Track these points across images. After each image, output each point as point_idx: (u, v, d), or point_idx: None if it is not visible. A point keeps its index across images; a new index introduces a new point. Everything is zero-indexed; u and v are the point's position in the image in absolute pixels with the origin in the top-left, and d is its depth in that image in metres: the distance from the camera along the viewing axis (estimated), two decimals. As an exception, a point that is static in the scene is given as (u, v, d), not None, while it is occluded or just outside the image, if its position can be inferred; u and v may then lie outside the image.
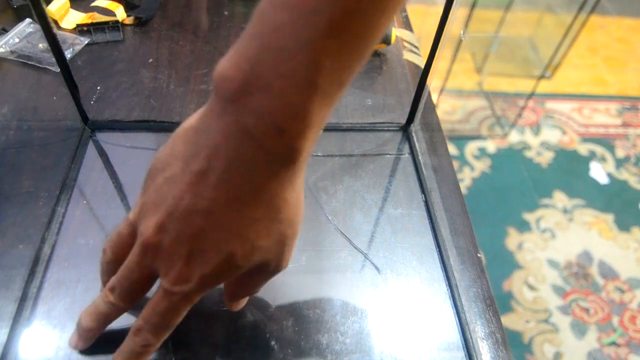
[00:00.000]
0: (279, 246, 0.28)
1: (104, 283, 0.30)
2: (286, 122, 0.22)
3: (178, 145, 0.25)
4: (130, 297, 0.28)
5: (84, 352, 0.32)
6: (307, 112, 0.23)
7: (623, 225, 1.35)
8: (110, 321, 0.30)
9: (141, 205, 0.27)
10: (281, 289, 0.36)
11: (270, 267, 0.29)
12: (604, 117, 1.66)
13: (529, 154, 1.51)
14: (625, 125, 1.64)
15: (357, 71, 0.23)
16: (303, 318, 0.35)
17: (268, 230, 0.26)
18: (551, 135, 1.58)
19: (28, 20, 0.57)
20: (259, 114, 0.22)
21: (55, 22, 0.57)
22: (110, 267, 0.29)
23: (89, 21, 0.57)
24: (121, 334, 0.33)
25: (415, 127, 0.49)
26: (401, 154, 0.47)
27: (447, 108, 1.63)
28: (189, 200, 0.25)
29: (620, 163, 1.51)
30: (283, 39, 0.21)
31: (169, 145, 0.26)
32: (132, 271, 0.27)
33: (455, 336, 0.35)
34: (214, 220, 0.25)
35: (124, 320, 0.34)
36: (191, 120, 0.26)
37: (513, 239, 1.30)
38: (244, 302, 0.34)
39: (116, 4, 0.59)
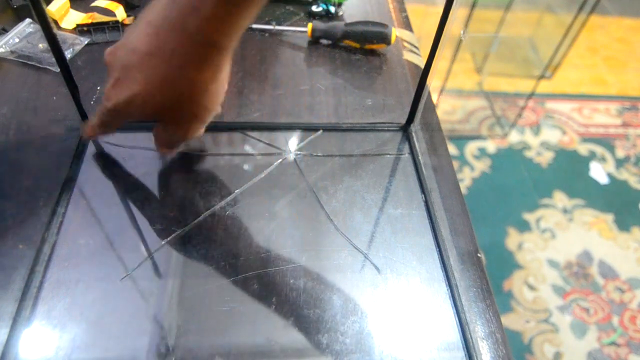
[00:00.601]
0: (175, 111, 0.35)
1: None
2: (199, 2, 0.29)
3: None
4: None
5: (84, 352, 0.32)
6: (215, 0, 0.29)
7: (623, 225, 1.35)
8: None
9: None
10: (281, 289, 0.36)
11: (169, 128, 0.37)
12: (604, 117, 1.66)
13: (529, 154, 1.51)
14: (625, 125, 1.64)
15: None
16: (303, 318, 0.35)
17: (168, 92, 0.33)
18: (551, 135, 1.58)
19: (28, 20, 0.57)
20: None
21: (55, 22, 0.57)
22: None
23: (89, 21, 0.57)
24: (117, 340, 0.33)
25: (415, 127, 0.49)
26: (401, 154, 0.47)
27: (447, 108, 1.63)
28: (132, 40, 0.33)
29: (620, 163, 1.51)
30: None
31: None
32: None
33: (455, 336, 0.35)
34: (139, 60, 0.32)
35: (121, 322, 0.34)
36: None
37: (513, 239, 1.30)
38: (172, 152, 0.43)
39: (116, 4, 0.59)
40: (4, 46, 0.53)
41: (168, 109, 0.35)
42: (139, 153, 0.45)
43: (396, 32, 0.58)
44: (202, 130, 0.39)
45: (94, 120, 0.39)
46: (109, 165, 0.43)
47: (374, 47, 0.58)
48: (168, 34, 0.31)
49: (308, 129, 0.48)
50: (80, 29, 0.56)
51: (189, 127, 0.37)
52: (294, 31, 0.60)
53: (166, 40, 0.31)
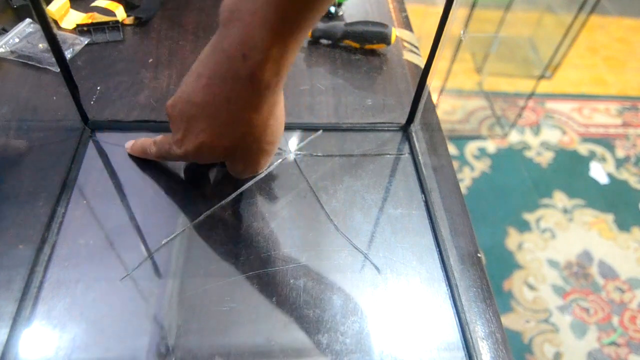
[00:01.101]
0: (242, 152, 0.36)
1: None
2: (249, 50, 0.29)
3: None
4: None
5: (84, 352, 0.32)
6: (265, 47, 0.29)
7: (623, 225, 1.35)
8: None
9: None
10: (281, 289, 0.36)
11: (238, 167, 0.39)
12: (604, 117, 1.66)
13: (529, 154, 1.51)
14: (625, 125, 1.64)
15: (311, 22, 0.30)
16: (303, 318, 0.35)
17: (232, 136, 0.35)
18: (551, 135, 1.58)
19: (28, 20, 0.57)
20: (232, 39, 0.30)
21: (55, 22, 0.57)
22: None
23: (89, 21, 0.57)
24: (117, 340, 0.33)
25: (415, 127, 0.49)
26: (401, 154, 0.47)
27: (447, 108, 1.63)
28: (188, 92, 0.34)
29: (620, 163, 1.51)
30: None
31: None
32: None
33: (455, 336, 0.35)
34: (199, 112, 0.34)
35: (121, 322, 0.34)
36: None
37: (513, 239, 1.30)
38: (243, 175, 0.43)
39: (116, 4, 0.59)
40: (4, 46, 0.53)
41: (235, 149, 0.36)
42: (139, 153, 0.44)
43: (396, 32, 0.58)
44: (270, 160, 0.40)
45: (152, 149, 0.41)
46: (109, 166, 0.43)
47: (374, 47, 0.58)
48: (221, 84, 0.32)
49: (308, 129, 0.48)
50: (80, 29, 0.56)
51: (258, 161, 0.38)
52: None
53: (220, 90, 0.32)
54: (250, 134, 0.35)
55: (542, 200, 1.39)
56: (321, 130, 0.48)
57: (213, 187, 0.42)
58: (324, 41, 0.59)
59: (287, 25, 0.29)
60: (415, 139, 0.48)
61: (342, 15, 0.63)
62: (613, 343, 1.13)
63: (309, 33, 0.58)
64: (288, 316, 0.35)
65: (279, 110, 0.36)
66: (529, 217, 1.35)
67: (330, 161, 0.46)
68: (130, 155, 0.44)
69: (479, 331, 0.36)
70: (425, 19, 1.55)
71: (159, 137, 0.41)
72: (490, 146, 1.52)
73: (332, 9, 0.62)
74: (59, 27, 0.57)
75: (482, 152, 1.50)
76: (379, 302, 0.36)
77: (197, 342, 0.33)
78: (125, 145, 0.44)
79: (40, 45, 0.54)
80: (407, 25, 0.65)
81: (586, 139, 1.58)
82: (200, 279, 0.36)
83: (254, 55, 0.29)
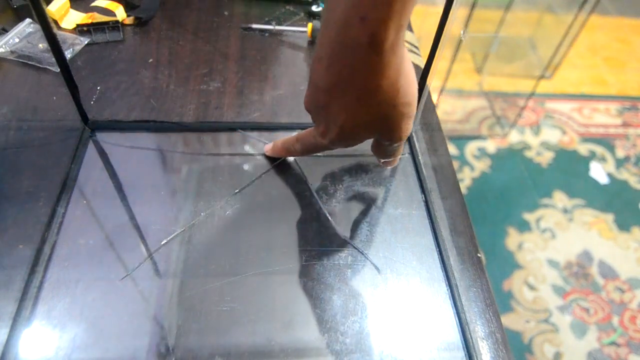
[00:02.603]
0: (383, 122, 0.35)
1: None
2: (366, 10, 0.27)
3: None
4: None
5: (84, 352, 0.32)
6: (385, 2, 0.27)
7: (623, 225, 1.35)
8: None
9: None
10: (281, 289, 0.36)
11: (385, 138, 0.37)
12: (604, 117, 1.66)
13: (529, 154, 1.51)
14: (625, 125, 1.64)
15: None
16: (303, 318, 0.35)
17: (367, 109, 0.33)
18: (551, 135, 1.58)
19: (28, 20, 0.57)
20: (345, 5, 0.28)
21: (55, 22, 0.57)
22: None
23: (89, 21, 0.57)
24: (117, 340, 0.33)
25: (415, 127, 0.49)
26: (401, 154, 0.47)
27: (447, 108, 1.63)
28: (315, 81, 0.34)
29: (620, 163, 1.51)
30: None
31: None
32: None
33: (455, 336, 0.35)
34: (329, 97, 0.33)
35: (121, 322, 0.34)
36: None
37: (513, 239, 1.30)
38: (395, 161, 0.43)
39: (116, 4, 0.59)
40: (4, 46, 0.53)
41: (376, 123, 0.35)
42: (139, 153, 0.45)
43: (396, 32, 0.58)
44: (412, 123, 0.38)
45: (297, 146, 0.41)
46: (109, 166, 0.43)
47: (374, 47, 0.58)
48: (342, 58, 0.30)
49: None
50: (80, 29, 0.56)
51: (402, 126, 0.36)
52: (294, 31, 0.60)
53: (342, 66, 0.31)
54: (384, 102, 0.33)
55: (542, 200, 1.39)
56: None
57: (213, 187, 0.42)
58: (324, 41, 0.59)
59: None
60: (415, 139, 0.48)
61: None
62: (613, 343, 1.13)
63: (309, 33, 0.58)
64: (288, 316, 0.35)
65: (407, 68, 0.34)
66: (529, 217, 1.35)
67: (330, 161, 0.46)
68: (131, 156, 0.44)
69: (479, 331, 0.36)
70: (425, 19, 1.55)
71: (302, 133, 0.41)
72: (490, 146, 1.52)
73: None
74: (59, 27, 0.57)
75: (482, 152, 1.50)
76: (379, 302, 0.36)
77: (197, 342, 0.33)
78: (265, 148, 0.45)
79: (40, 45, 0.54)
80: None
81: (586, 139, 1.58)
82: (200, 279, 0.36)
83: (374, 15, 0.27)
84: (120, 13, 0.58)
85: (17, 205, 0.39)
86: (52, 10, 0.56)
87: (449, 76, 1.46)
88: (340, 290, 0.37)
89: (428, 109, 0.51)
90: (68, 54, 0.53)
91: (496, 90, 1.69)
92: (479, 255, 0.40)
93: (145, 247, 0.38)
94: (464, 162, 1.47)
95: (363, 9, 0.27)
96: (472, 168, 1.45)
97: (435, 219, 0.42)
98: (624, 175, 1.48)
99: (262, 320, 0.35)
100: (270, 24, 0.60)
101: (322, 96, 0.34)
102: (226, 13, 0.62)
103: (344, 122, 0.34)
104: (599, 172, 1.48)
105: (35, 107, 0.48)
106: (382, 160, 0.43)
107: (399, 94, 0.33)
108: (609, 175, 1.48)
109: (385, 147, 0.39)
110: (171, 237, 0.38)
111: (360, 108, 0.33)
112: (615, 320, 1.16)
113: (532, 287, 1.21)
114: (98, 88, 0.50)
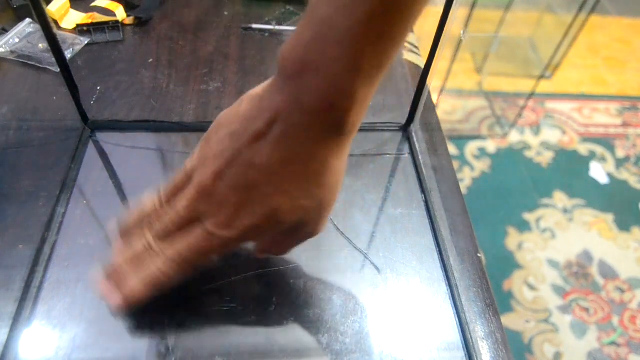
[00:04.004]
0: (318, 209, 0.31)
1: (124, 232, 0.33)
2: (335, 99, 0.26)
3: (244, 107, 0.29)
4: (167, 238, 0.30)
5: (84, 352, 0.32)
6: (352, 91, 0.26)
7: (623, 225, 1.35)
8: (141, 264, 0.31)
9: (200, 154, 0.30)
10: (281, 289, 0.36)
11: (307, 229, 0.32)
12: (604, 117, 1.66)
13: (529, 154, 1.51)
14: (625, 125, 1.64)
15: (395, 54, 0.26)
16: (303, 318, 0.35)
17: (312, 192, 0.29)
18: (551, 135, 1.58)
19: (28, 20, 0.57)
20: (311, 92, 0.26)
21: (55, 22, 0.57)
22: (157, 213, 0.31)
23: (89, 21, 0.57)
24: (117, 340, 0.33)
25: (415, 127, 0.49)
26: (401, 154, 0.47)
27: (447, 108, 1.63)
28: (247, 154, 0.28)
29: (620, 163, 1.51)
30: (329, 29, 0.25)
31: (235, 106, 0.30)
32: (179, 214, 0.30)
33: (455, 336, 0.35)
34: (266, 175, 0.28)
35: (121, 322, 0.34)
36: (257, 89, 0.30)
37: (513, 239, 1.30)
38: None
39: (116, 4, 0.59)
40: (4, 46, 0.53)
41: (310, 208, 0.30)
42: (139, 153, 0.44)
43: (396, 32, 0.58)
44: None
45: (171, 267, 0.30)
46: (109, 165, 0.43)
47: (374, 47, 0.58)
48: (300, 138, 0.27)
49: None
50: (80, 29, 0.56)
51: (325, 217, 0.32)
52: (294, 31, 0.60)
53: (299, 144, 0.27)
54: (335, 185, 0.30)
55: (542, 200, 1.39)
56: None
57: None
58: (324, 41, 0.59)
59: (374, 62, 0.25)
60: (415, 139, 0.48)
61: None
62: (613, 343, 1.13)
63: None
64: (288, 316, 0.35)
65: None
66: (529, 217, 1.35)
67: (330, 161, 0.46)
68: (131, 156, 0.44)
69: (479, 331, 0.36)
70: (425, 19, 1.54)
71: (169, 251, 0.30)
72: (490, 146, 1.52)
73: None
74: (59, 27, 0.57)
75: (482, 152, 1.50)
76: (379, 302, 0.36)
77: (197, 342, 0.33)
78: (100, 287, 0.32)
79: (40, 45, 0.54)
80: (407, 25, 0.65)
81: (586, 139, 1.58)
82: (200, 279, 0.36)
83: (341, 102, 0.26)
84: (120, 13, 0.58)
85: (17, 205, 0.39)
86: (52, 10, 0.56)
87: (449, 76, 1.46)
88: (340, 290, 0.37)
89: (428, 109, 0.51)
90: (68, 54, 0.53)
91: (496, 90, 1.69)
92: (479, 255, 0.40)
93: (145, 247, 0.38)
94: (464, 162, 1.47)
95: (334, 97, 0.26)
96: (472, 168, 1.45)
97: (435, 219, 0.42)
98: (624, 175, 1.48)
99: (262, 320, 0.35)
100: (270, 24, 0.60)
101: (254, 175, 0.28)
102: (226, 13, 0.62)
103: (279, 206, 0.29)
104: (599, 172, 1.48)
105: (35, 107, 0.48)
106: (266, 253, 0.36)
107: (341, 179, 0.31)
108: (609, 175, 1.48)
109: (296, 239, 0.34)
110: (171, 237, 0.38)
111: (306, 190, 0.29)
112: (615, 320, 1.16)
113: (532, 287, 1.21)
114: (98, 88, 0.50)
